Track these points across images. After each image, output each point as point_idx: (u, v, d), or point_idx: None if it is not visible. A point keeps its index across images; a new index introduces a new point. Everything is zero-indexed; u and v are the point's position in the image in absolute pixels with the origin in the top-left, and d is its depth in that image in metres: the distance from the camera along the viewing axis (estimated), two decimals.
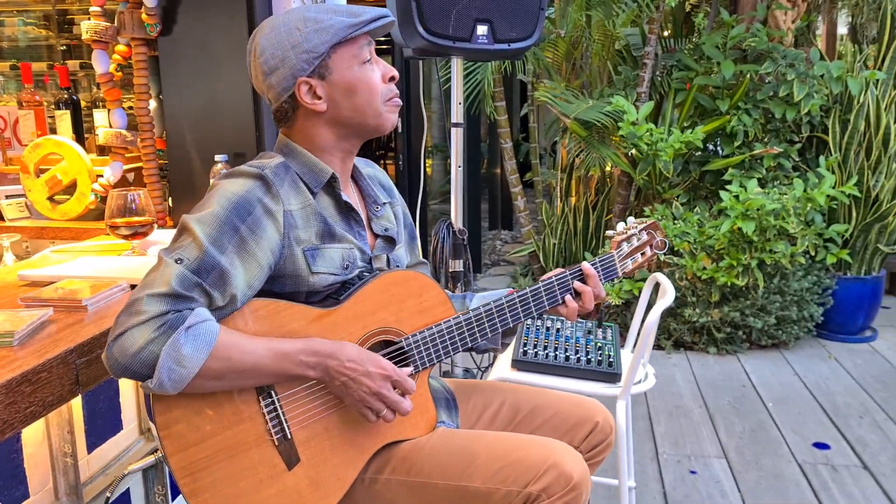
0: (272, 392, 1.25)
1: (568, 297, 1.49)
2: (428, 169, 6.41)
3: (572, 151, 4.75)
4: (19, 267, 1.75)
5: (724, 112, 4.14)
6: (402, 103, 1.45)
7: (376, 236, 1.49)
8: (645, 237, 1.56)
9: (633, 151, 4.19)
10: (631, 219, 1.58)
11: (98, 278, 1.57)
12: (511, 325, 1.45)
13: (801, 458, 2.99)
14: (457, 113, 2.28)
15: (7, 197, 2.35)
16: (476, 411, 1.59)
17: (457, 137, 2.29)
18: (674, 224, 4.01)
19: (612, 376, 1.99)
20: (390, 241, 1.51)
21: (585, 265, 1.49)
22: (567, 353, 2.05)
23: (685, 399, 3.57)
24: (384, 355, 1.34)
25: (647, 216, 4.17)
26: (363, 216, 1.47)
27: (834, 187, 3.88)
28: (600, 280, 1.51)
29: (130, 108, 2.23)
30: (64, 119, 2.36)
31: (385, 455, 1.37)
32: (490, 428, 1.56)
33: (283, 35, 1.32)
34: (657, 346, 4.21)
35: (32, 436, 1.42)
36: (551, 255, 5.02)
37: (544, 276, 1.48)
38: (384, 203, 1.55)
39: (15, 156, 2.41)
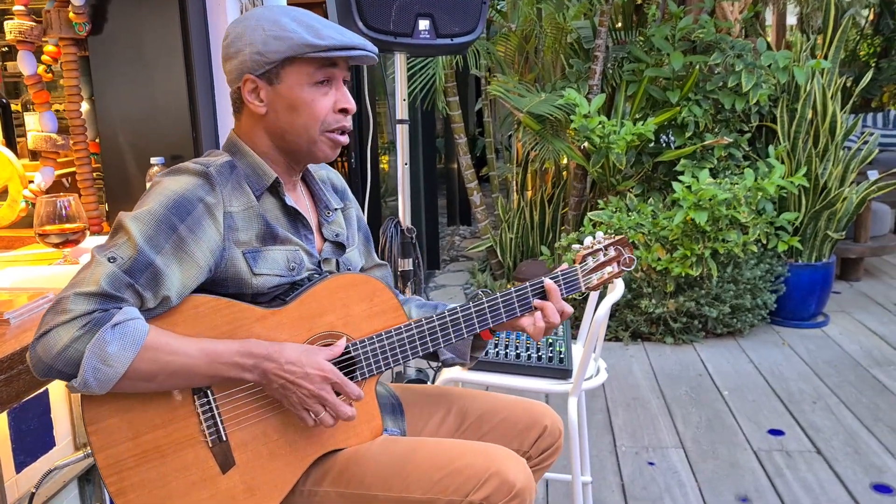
0: (208, 392, 1.21)
1: (536, 315, 1.42)
2: (384, 165, 6.36)
3: (527, 145, 4.74)
4: None
5: (675, 103, 4.16)
6: (346, 141, 1.38)
7: (325, 240, 1.45)
8: (612, 253, 1.52)
9: (587, 144, 4.19)
10: (599, 234, 1.55)
11: (23, 289, 1.50)
12: (465, 337, 1.40)
13: (757, 445, 3.02)
14: (401, 109, 2.24)
15: None
16: (423, 417, 1.56)
17: (402, 134, 2.25)
18: (628, 216, 4.01)
19: (564, 373, 1.98)
20: (340, 246, 1.48)
21: (547, 280, 1.43)
22: (518, 351, 2.03)
23: (643, 390, 3.58)
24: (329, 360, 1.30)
25: (602, 208, 4.17)
26: (313, 220, 1.44)
27: (783, 177, 3.92)
28: (562, 294, 1.45)
29: (60, 111, 2.15)
30: None
31: (324, 465, 1.33)
32: (437, 434, 1.53)
33: (249, 29, 1.30)
34: (615, 338, 4.23)
35: None
36: (508, 250, 5.00)
37: (504, 291, 1.44)
38: (336, 209, 1.51)
39: None
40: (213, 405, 1.21)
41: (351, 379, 1.31)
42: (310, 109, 1.31)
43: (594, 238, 1.54)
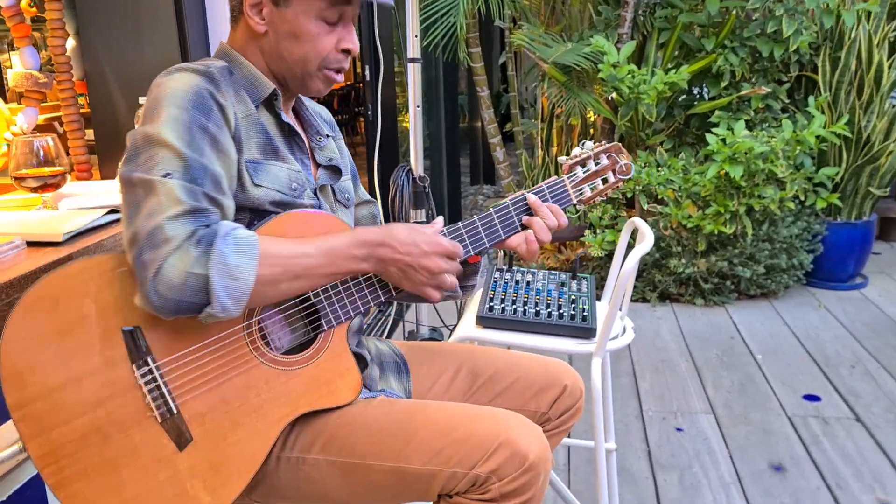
0: (149, 360, 1.05)
1: (526, 233, 1.27)
2: (405, 124, 6.18)
3: (552, 99, 4.53)
4: None
5: (710, 51, 3.92)
6: (341, 79, 1.29)
7: (318, 166, 1.33)
8: (605, 161, 1.35)
9: (615, 96, 3.97)
10: (588, 143, 1.37)
11: None
12: None
13: (792, 411, 2.85)
14: (413, 47, 2.07)
15: None
16: (430, 377, 1.41)
17: (413, 74, 2.08)
18: (657, 171, 3.81)
19: (587, 331, 1.81)
20: (335, 171, 1.36)
21: (529, 195, 1.29)
22: (537, 308, 1.87)
23: (671, 353, 3.42)
24: (288, 308, 1.16)
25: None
26: (305, 144, 1.32)
27: (824, 128, 3.68)
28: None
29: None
30: None
31: (311, 430, 1.18)
32: (446, 394, 1.38)
33: None
34: (642, 299, 4.05)
35: None
36: None
37: (484, 213, 1.29)
38: (327, 136, 1.39)
39: None
40: (157, 373, 1.05)
41: (315, 329, 1.18)
42: (312, 43, 1.21)
43: (582, 147, 1.36)
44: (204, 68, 1.16)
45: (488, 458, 1.08)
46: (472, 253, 1.24)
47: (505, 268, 2.08)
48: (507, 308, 1.86)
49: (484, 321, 1.85)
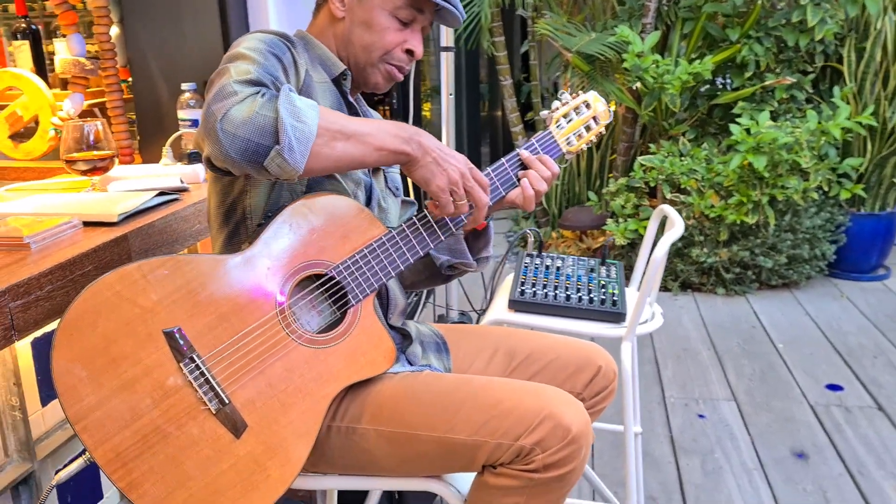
0: (194, 356, 1.08)
1: (522, 183, 1.33)
2: (426, 113, 6.20)
3: (575, 88, 4.55)
4: None
5: (735, 41, 3.93)
6: (401, 78, 1.38)
7: None
8: (585, 110, 1.42)
9: (638, 85, 3.99)
10: (566, 94, 1.43)
11: (48, 214, 1.42)
12: (454, 232, 1.29)
13: (814, 399, 2.87)
14: (446, 36, 2.10)
15: None
16: (468, 357, 1.45)
17: (447, 63, 2.12)
18: (681, 161, 3.83)
19: (617, 316, 1.85)
20: None
21: (522, 151, 1.35)
22: (568, 293, 1.90)
23: (693, 342, 3.45)
24: (312, 292, 1.20)
25: (653, 153, 3.99)
26: None
27: (849, 118, 3.68)
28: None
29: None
30: (22, 50, 2.18)
31: (360, 401, 1.22)
32: (486, 373, 1.43)
33: None
34: (664, 288, 4.08)
35: None
36: (554, 197, 4.86)
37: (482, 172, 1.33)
38: None
39: None
40: (204, 368, 1.09)
41: (343, 305, 1.21)
42: (381, 34, 1.30)
43: (561, 100, 1.42)
44: (279, 31, 1.24)
45: (533, 430, 1.12)
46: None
47: (535, 254, 2.12)
48: (538, 292, 1.90)
49: (516, 305, 1.89)
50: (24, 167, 2.10)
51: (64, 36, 1.94)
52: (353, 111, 1.33)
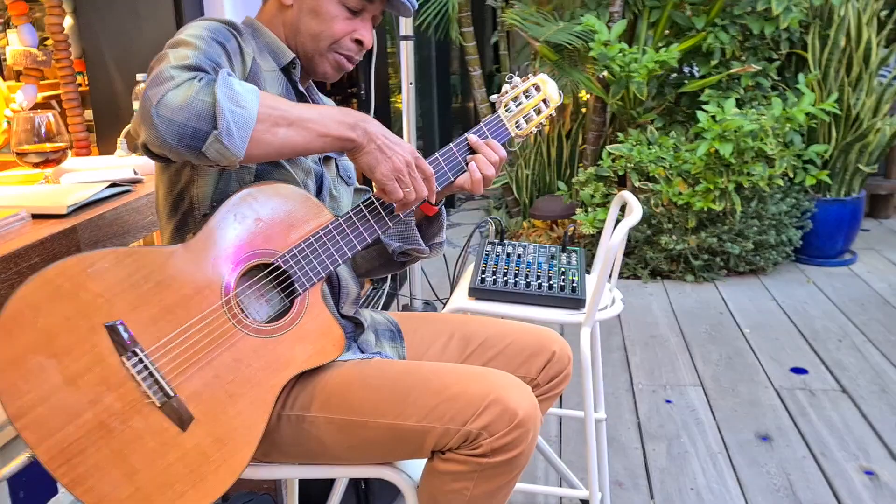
0: (136, 350, 1.06)
1: (470, 167, 1.32)
2: (398, 105, 6.18)
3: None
4: None
5: (701, 29, 3.95)
6: (350, 67, 1.36)
7: None
8: (535, 93, 1.41)
9: (606, 74, 4.00)
10: (515, 78, 1.43)
11: None
12: (402, 217, 1.28)
13: (779, 383, 2.91)
14: (405, 24, 2.10)
15: None
16: (424, 344, 1.46)
17: (406, 51, 2.11)
18: (648, 149, 3.85)
19: (576, 302, 1.86)
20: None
21: (470, 136, 1.34)
22: (528, 280, 1.91)
23: (661, 328, 3.47)
24: (260, 281, 1.19)
25: (621, 142, 4.00)
26: None
27: (813, 105, 3.72)
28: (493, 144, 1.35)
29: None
30: None
31: (310, 389, 1.22)
32: (440, 360, 1.43)
33: None
34: (633, 276, 4.11)
35: None
36: (524, 186, 4.87)
37: (430, 158, 1.32)
38: None
39: None
40: (147, 361, 1.07)
41: (290, 294, 1.21)
42: (329, 23, 1.29)
43: (510, 83, 1.42)
44: (226, 19, 1.23)
45: (479, 414, 1.13)
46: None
47: (496, 241, 2.12)
48: (498, 280, 1.91)
49: (476, 293, 1.90)
50: None
51: (15, 27, 1.91)
52: (303, 100, 1.32)
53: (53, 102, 2.16)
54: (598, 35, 3.82)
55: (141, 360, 1.06)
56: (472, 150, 1.33)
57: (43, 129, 1.64)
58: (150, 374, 1.07)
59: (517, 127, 1.38)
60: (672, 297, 3.86)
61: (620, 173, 4.00)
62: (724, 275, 4.07)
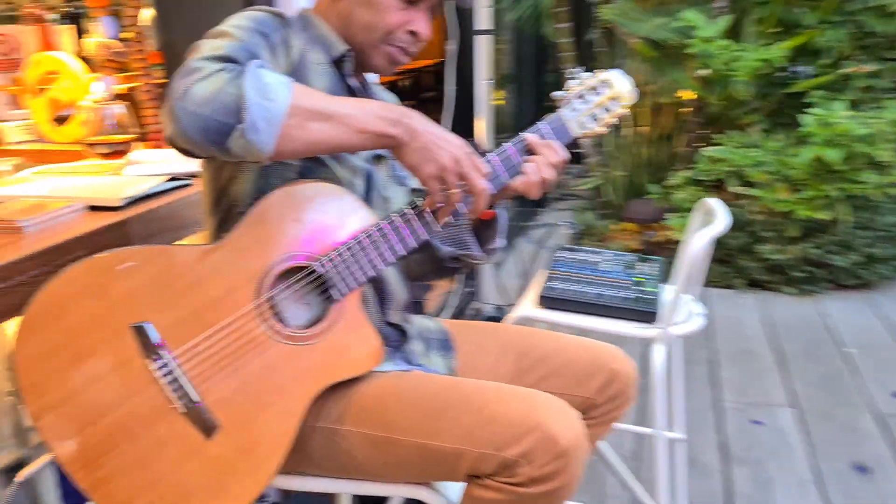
0: (162, 352, 1.03)
1: (526, 168, 1.21)
2: (500, 101, 6.11)
3: (640, 75, 4.38)
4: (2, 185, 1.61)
5: (812, 26, 3.69)
6: (405, 61, 1.27)
7: None
8: (605, 90, 1.29)
9: (706, 72, 3.80)
10: (585, 73, 1.31)
11: (54, 198, 1.41)
12: (454, 222, 1.19)
13: (881, 409, 2.68)
14: (482, 19, 2.02)
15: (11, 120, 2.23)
16: (475, 356, 1.37)
17: (482, 46, 2.03)
18: (749, 153, 3.64)
19: (649, 315, 1.74)
20: None
21: (528, 135, 1.23)
22: (600, 290, 1.81)
23: (754, 343, 3.27)
24: (299, 283, 1.13)
25: (718, 144, 3.80)
26: None
27: None
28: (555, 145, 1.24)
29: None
30: (66, 34, 2.20)
31: (343, 401, 1.16)
32: (490, 375, 1.34)
33: None
34: (727, 286, 3.89)
35: None
36: (617, 188, 4.70)
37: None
38: None
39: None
40: (173, 364, 1.03)
41: (326, 300, 1.14)
42: (381, 14, 1.21)
43: (578, 79, 1.30)
44: (275, 10, 1.18)
45: (518, 440, 1.04)
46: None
47: (570, 247, 2.02)
48: (568, 288, 1.81)
49: (544, 301, 1.80)
50: (62, 150, 2.11)
51: (95, 18, 1.95)
52: (352, 94, 1.26)
53: (134, 94, 2.19)
54: (699, 31, 3.64)
55: (166, 364, 1.03)
56: (531, 151, 1.23)
57: (112, 121, 1.65)
58: (176, 379, 1.03)
59: (582, 127, 1.28)
60: (768, 309, 3.63)
61: (717, 178, 3.79)
62: (827, 288, 3.80)
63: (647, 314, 1.73)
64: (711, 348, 3.22)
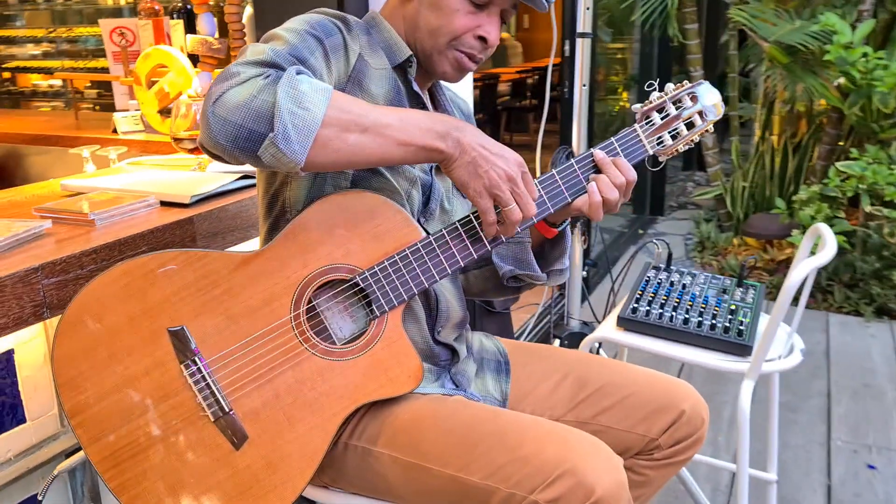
0: (196, 359, 1.01)
1: (590, 188, 1.13)
2: (625, 104, 5.92)
3: (772, 82, 4.12)
4: (82, 177, 1.67)
5: None
6: (473, 67, 1.21)
7: None
8: (689, 104, 1.18)
9: (843, 81, 3.52)
10: (669, 85, 1.19)
11: (131, 192, 1.44)
12: (502, 240, 1.13)
13: None
14: (583, 20, 1.92)
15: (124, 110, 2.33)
16: (531, 381, 1.30)
17: (582, 50, 1.94)
18: (888, 169, 3.34)
19: (740, 348, 1.60)
20: None
21: (596, 151, 1.14)
22: (688, 315, 1.68)
23: (879, 377, 3.00)
24: (341, 294, 1.09)
25: (855, 158, 3.51)
26: None
27: None
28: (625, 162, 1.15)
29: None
30: (177, 29, 2.27)
31: (379, 421, 1.12)
32: (546, 403, 1.27)
33: None
34: (855, 312, 3.60)
35: (31, 358, 1.32)
36: (740, 200, 4.45)
37: (545, 175, 1.14)
38: None
39: None
40: (206, 371, 1.02)
41: (368, 314, 1.10)
42: (449, 18, 1.15)
43: (660, 91, 1.19)
44: (338, 13, 1.15)
45: (549, 484, 0.96)
46: (535, 216, 1.11)
47: (662, 266, 1.90)
48: (652, 311, 1.69)
49: (625, 323, 1.70)
50: (165, 142, 2.18)
51: (197, 15, 1.99)
52: (416, 101, 1.21)
53: None
54: (839, 36, 3.37)
55: (200, 370, 1.02)
56: (598, 169, 1.14)
57: (198, 116, 1.67)
58: (208, 386, 1.02)
59: (659, 143, 1.17)
60: None
61: (850, 195, 3.51)
62: None
63: (737, 346, 1.60)
64: (828, 380, 2.98)
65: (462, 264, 1.10)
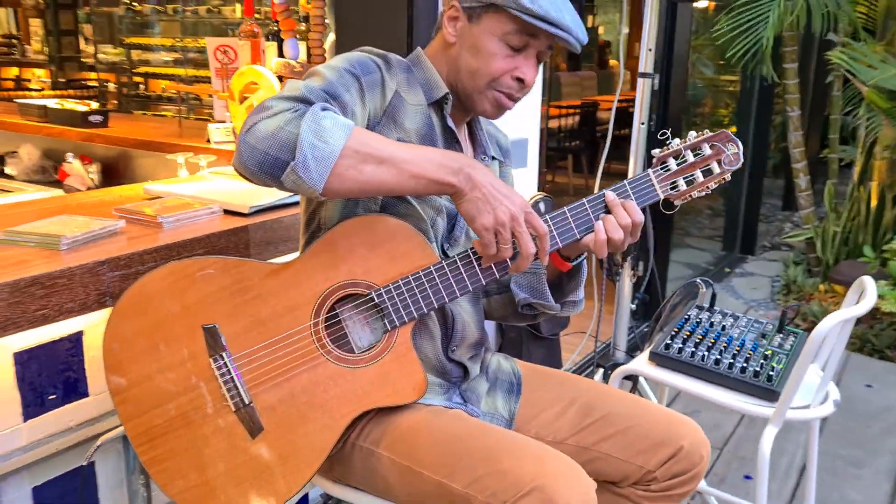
0: (224, 354, 1.14)
1: (597, 227, 1.20)
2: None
3: (872, 126, 4.00)
4: (164, 182, 1.85)
5: None
6: (511, 106, 1.31)
7: None
8: (708, 151, 1.22)
9: None
10: (692, 133, 1.24)
11: (200, 199, 1.59)
12: (495, 274, 1.20)
13: None
14: (645, 61, 1.97)
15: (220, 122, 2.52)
16: (540, 404, 1.37)
17: (643, 90, 1.99)
18: None
19: (768, 393, 1.62)
20: None
21: (608, 192, 1.20)
22: (721, 356, 1.70)
23: None
24: (361, 305, 1.20)
25: None
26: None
27: None
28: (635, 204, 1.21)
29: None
30: (270, 51, 2.45)
31: (383, 425, 1.22)
32: (551, 427, 1.34)
33: None
34: None
35: (98, 340, 1.48)
36: (830, 244, 4.32)
37: (557, 211, 1.21)
38: (493, 157, 1.42)
39: None
40: (231, 366, 1.14)
41: (384, 327, 1.20)
42: (487, 60, 1.25)
43: (680, 139, 1.23)
44: (381, 52, 1.26)
45: (520, 498, 1.03)
46: (550, 248, 1.18)
47: (706, 306, 1.92)
48: (685, 349, 1.73)
49: (657, 358, 1.74)
50: None
51: (284, 39, 2.15)
52: (450, 135, 1.30)
53: None
54: None
55: (226, 365, 1.14)
56: (608, 209, 1.21)
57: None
58: (232, 379, 1.15)
59: (672, 188, 1.23)
60: None
61: None
62: None
63: (765, 391, 1.61)
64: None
65: (471, 289, 1.19)
